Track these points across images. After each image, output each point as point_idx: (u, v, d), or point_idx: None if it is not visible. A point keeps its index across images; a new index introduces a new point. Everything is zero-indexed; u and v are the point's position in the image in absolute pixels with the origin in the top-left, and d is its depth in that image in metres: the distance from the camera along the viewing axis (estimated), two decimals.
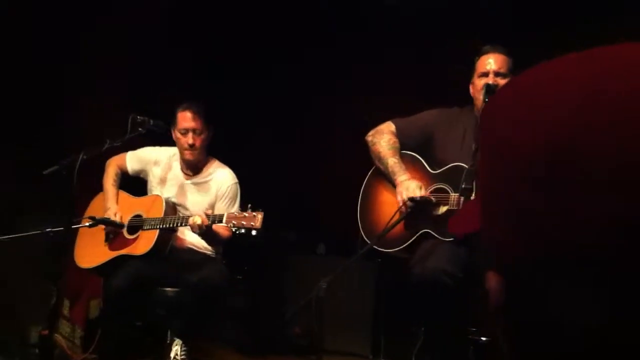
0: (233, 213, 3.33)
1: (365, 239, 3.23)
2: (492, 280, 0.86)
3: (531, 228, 0.77)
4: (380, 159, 3.29)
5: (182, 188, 3.77)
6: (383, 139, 3.32)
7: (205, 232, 3.42)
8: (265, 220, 3.24)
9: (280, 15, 4.91)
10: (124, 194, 3.85)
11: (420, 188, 3.05)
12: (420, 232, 3.04)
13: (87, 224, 3.54)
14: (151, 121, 3.39)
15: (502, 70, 3.10)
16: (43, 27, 4.20)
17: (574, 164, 0.73)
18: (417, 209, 3.00)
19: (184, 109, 3.68)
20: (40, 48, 4.20)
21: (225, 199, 3.72)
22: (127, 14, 4.53)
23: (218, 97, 4.48)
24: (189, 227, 3.42)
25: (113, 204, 3.74)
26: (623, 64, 0.75)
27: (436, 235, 2.98)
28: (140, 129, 3.36)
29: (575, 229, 0.73)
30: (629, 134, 0.70)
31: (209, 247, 3.73)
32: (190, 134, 3.64)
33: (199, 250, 3.71)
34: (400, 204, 3.05)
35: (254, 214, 3.23)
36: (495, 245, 0.85)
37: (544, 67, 0.85)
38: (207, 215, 3.39)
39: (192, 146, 3.66)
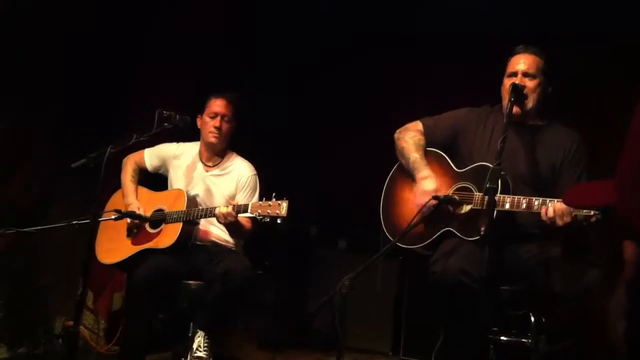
0: (258, 202, 3.36)
1: (388, 235, 3.23)
2: (629, 250, 0.90)
3: None
4: (403, 154, 3.29)
5: (203, 181, 3.81)
6: (408, 135, 3.32)
7: (231, 222, 3.44)
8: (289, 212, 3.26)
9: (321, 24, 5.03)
10: (143, 189, 3.87)
11: (436, 188, 3.04)
12: (443, 230, 3.03)
13: (112, 217, 3.54)
14: (177, 116, 3.42)
15: (530, 71, 3.08)
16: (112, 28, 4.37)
17: None
18: (440, 208, 2.99)
19: (218, 97, 3.80)
20: (105, 49, 4.36)
21: (246, 190, 3.78)
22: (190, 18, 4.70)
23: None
24: (215, 218, 3.45)
25: (134, 199, 3.77)
26: None
27: (458, 235, 2.97)
28: (166, 123, 3.38)
29: None
30: None
31: (231, 241, 3.76)
32: (218, 118, 3.76)
33: (222, 243, 3.74)
34: (418, 207, 3.02)
35: (278, 202, 3.26)
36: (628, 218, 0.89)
37: None
38: (233, 205, 3.42)
39: (218, 129, 3.75)
